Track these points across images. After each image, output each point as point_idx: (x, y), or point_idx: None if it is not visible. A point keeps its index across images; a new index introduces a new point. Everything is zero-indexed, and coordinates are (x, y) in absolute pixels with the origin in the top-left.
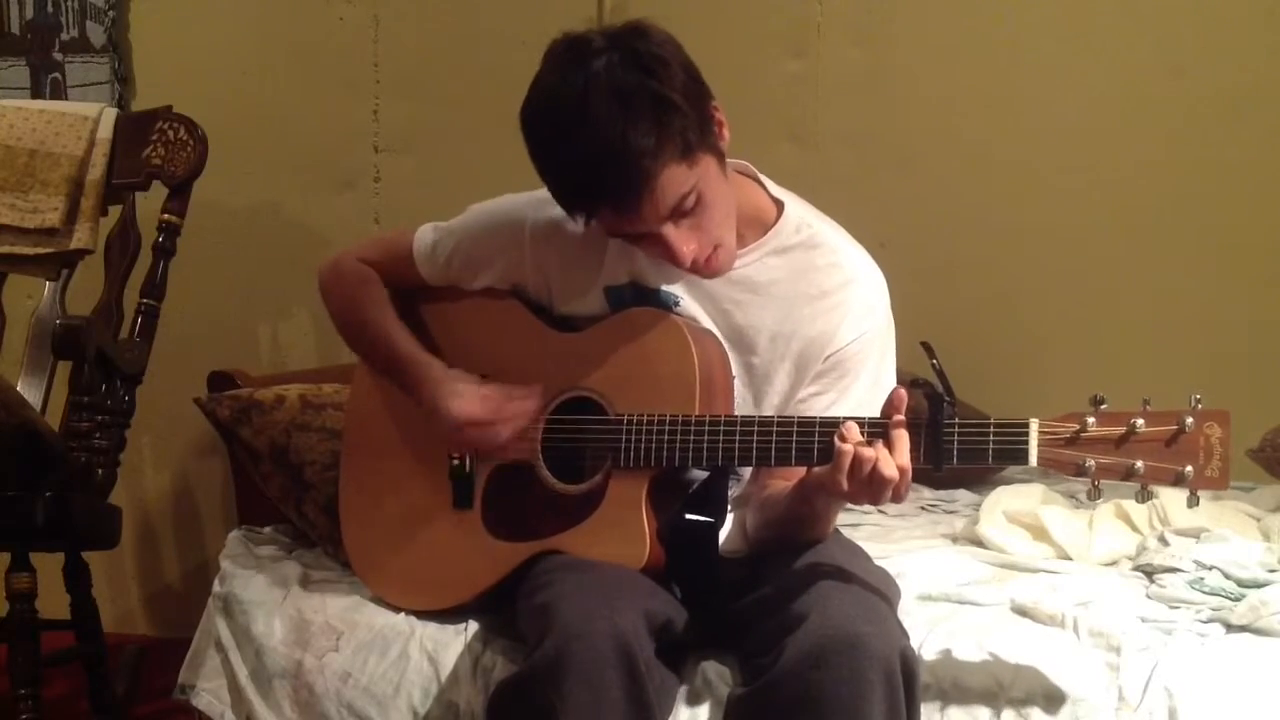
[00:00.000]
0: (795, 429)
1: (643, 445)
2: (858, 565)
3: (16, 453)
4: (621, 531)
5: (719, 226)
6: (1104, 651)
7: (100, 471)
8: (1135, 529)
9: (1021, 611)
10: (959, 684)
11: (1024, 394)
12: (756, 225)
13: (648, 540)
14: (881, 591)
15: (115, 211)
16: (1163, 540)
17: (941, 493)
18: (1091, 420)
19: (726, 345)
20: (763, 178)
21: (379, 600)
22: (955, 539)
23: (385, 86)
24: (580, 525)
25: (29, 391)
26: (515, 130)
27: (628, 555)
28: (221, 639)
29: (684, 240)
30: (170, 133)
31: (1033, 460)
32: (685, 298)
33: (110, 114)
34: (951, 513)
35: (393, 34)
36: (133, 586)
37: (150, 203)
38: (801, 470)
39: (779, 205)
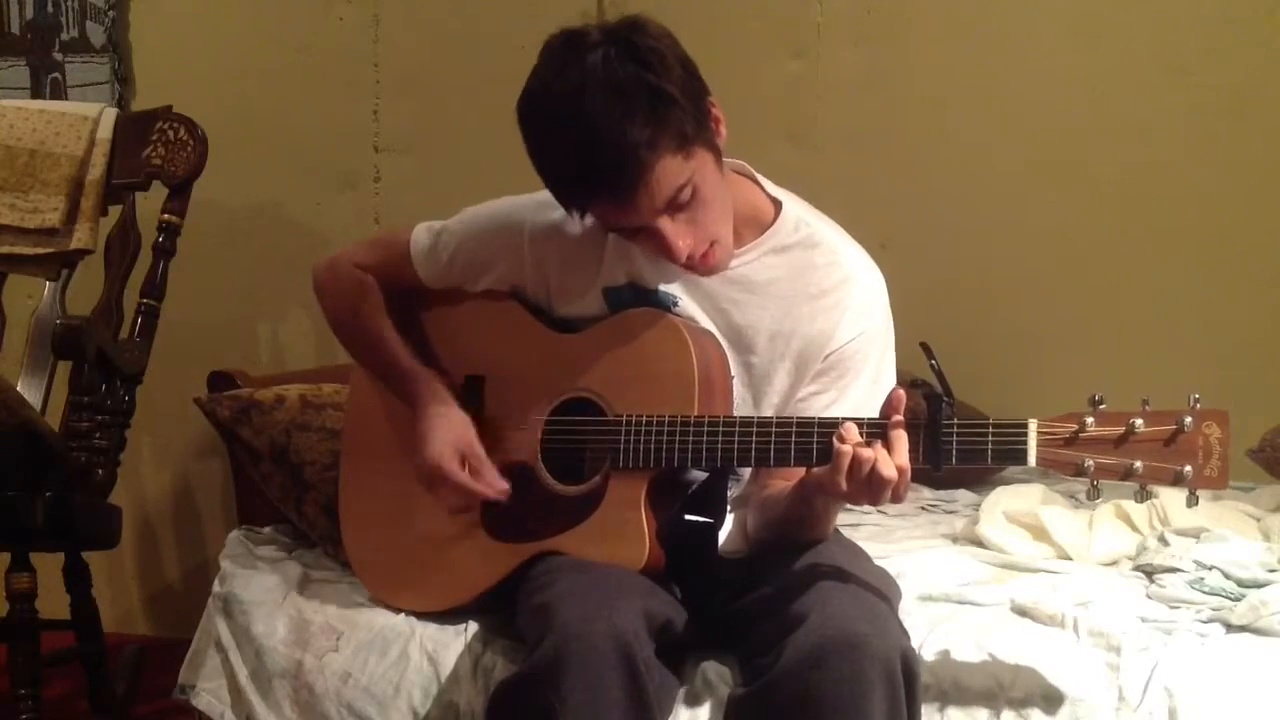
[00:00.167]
0: (794, 429)
1: (642, 446)
2: (858, 565)
3: (16, 453)
4: (621, 532)
5: (715, 222)
6: (1104, 651)
7: (100, 471)
8: (1135, 529)
9: (1021, 611)
10: (959, 684)
11: (1023, 394)
12: (754, 224)
13: (647, 541)
14: (882, 592)
15: (115, 211)
16: (1163, 540)
17: (941, 493)
18: (1090, 420)
19: (725, 345)
20: (760, 177)
21: (379, 600)
22: (955, 539)
23: (385, 86)
24: (580, 526)
25: (29, 391)
26: (515, 130)
27: (627, 556)
28: (221, 639)
29: (680, 235)
30: (170, 133)
31: (1032, 460)
32: (684, 298)
33: (110, 114)
34: (951, 513)
35: (393, 34)
36: (133, 586)
37: (150, 203)
38: (801, 470)
39: (776, 204)
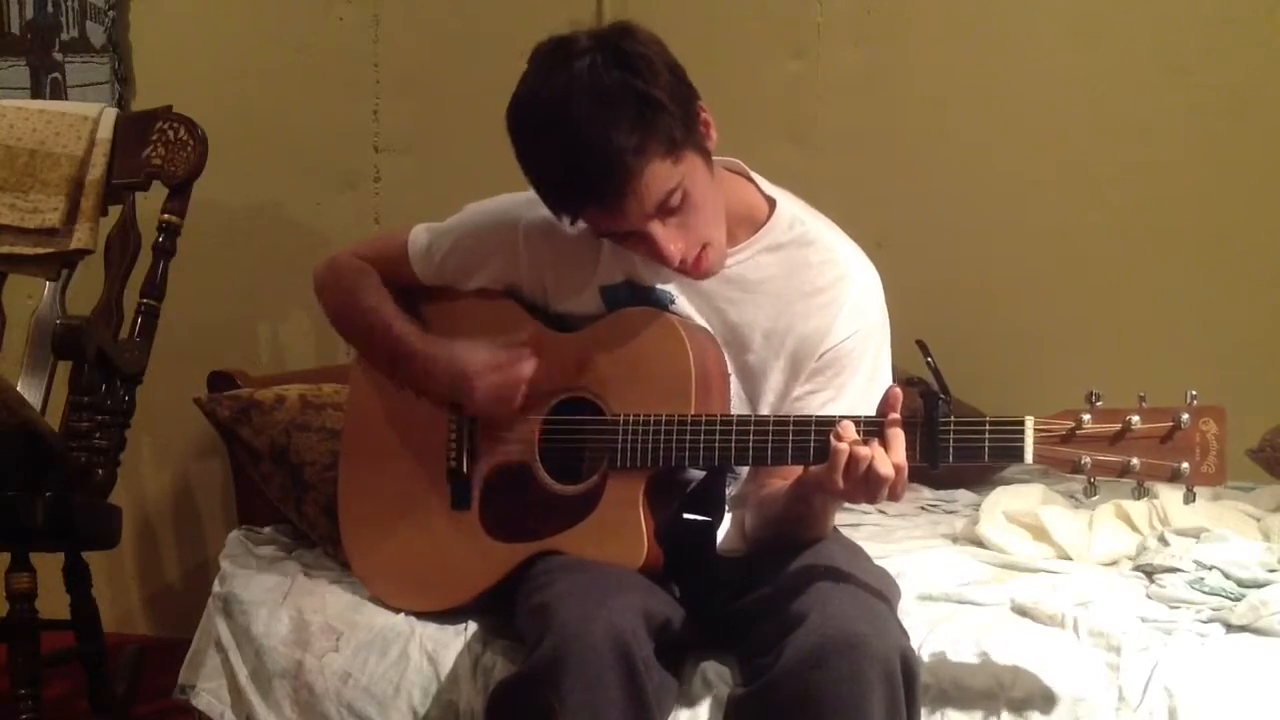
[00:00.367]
0: (791, 428)
1: (639, 445)
2: (858, 565)
3: (16, 453)
4: (619, 531)
5: (707, 225)
6: (1104, 651)
7: (100, 471)
8: (1135, 529)
9: (1021, 611)
10: (959, 684)
11: (1020, 392)
12: (748, 223)
13: (645, 540)
14: (881, 591)
15: (115, 211)
16: (1163, 540)
17: (941, 493)
18: (1087, 417)
19: (721, 343)
20: (754, 175)
21: (379, 600)
22: (955, 539)
23: (385, 86)
24: (578, 526)
25: (29, 391)
26: None
27: (626, 555)
28: (221, 639)
29: (671, 239)
30: (170, 133)
31: (1029, 457)
32: (680, 296)
33: (110, 114)
34: (951, 513)
35: (393, 34)
36: (133, 586)
37: (150, 203)
38: (799, 469)
39: (771, 203)
